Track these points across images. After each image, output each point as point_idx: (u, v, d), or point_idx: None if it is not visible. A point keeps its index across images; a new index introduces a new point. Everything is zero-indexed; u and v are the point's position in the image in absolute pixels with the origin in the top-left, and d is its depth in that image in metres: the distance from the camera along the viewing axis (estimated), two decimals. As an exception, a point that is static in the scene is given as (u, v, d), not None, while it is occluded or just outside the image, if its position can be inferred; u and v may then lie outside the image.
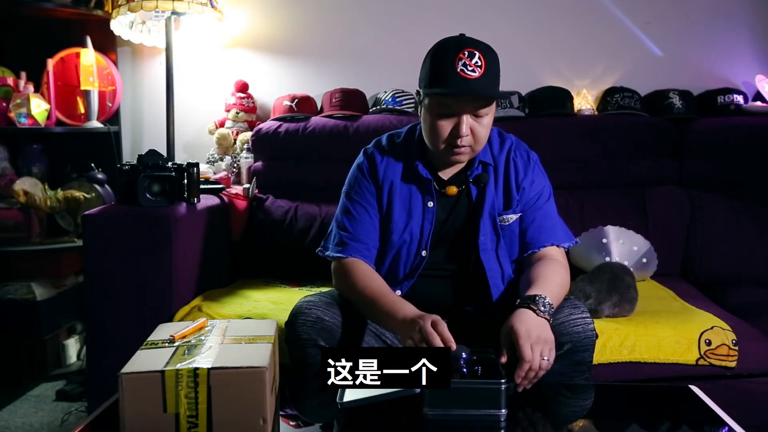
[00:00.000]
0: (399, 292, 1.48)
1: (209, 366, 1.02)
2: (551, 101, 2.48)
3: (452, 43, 1.38)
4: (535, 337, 1.20)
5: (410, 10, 2.62)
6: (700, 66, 2.60)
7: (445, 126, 1.39)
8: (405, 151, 1.53)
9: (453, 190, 1.49)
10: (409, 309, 1.29)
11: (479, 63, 1.34)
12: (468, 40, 1.39)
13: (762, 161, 2.34)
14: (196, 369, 1.01)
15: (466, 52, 1.35)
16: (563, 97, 2.49)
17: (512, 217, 1.49)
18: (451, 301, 1.50)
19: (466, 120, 1.37)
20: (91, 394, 1.89)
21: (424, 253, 1.48)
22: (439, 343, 1.16)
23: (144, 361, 1.06)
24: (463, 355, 1.18)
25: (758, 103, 2.46)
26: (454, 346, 1.17)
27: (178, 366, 1.02)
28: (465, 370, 1.16)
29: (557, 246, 1.49)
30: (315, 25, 2.70)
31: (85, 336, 1.99)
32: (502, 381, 1.12)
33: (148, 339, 1.17)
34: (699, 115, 2.45)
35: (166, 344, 1.13)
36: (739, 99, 2.45)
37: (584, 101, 2.54)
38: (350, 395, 1.13)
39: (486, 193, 1.49)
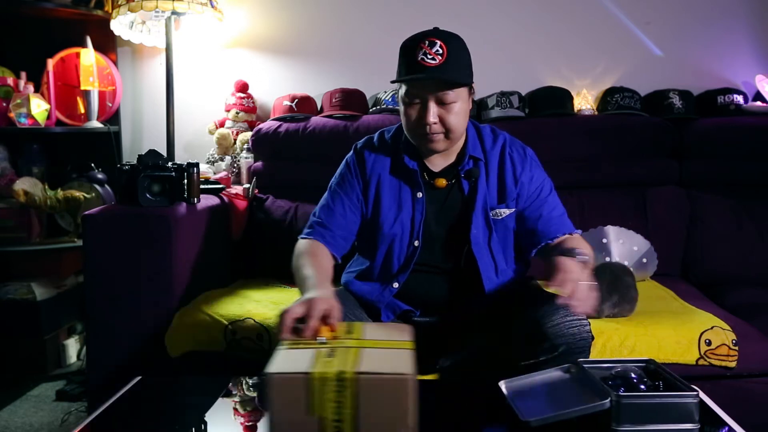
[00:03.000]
0: (396, 284, 1.50)
1: (357, 370, 0.99)
2: (551, 101, 2.48)
3: (418, 35, 1.45)
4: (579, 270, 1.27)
5: (410, 10, 2.62)
6: (700, 66, 2.60)
7: (413, 114, 1.44)
8: (394, 146, 1.57)
9: (442, 182, 1.52)
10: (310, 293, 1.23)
11: (440, 51, 1.40)
12: (433, 32, 1.45)
13: (762, 161, 2.34)
14: (343, 373, 0.99)
15: (427, 42, 1.41)
16: (563, 97, 2.49)
17: (505, 212, 1.51)
18: (446, 297, 1.50)
19: (432, 107, 1.42)
20: (91, 394, 1.90)
21: (416, 243, 1.50)
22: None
23: (289, 361, 1.04)
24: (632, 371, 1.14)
25: (758, 103, 2.45)
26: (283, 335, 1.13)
27: (326, 369, 0.99)
28: (643, 386, 1.10)
29: (571, 234, 1.52)
30: (315, 25, 2.70)
31: (85, 336, 1.99)
32: (695, 393, 1.05)
33: (284, 339, 1.12)
34: (699, 115, 2.45)
35: (308, 345, 1.10)
36: (739, 99, 2.45)
37: (584, 101, 2.54)
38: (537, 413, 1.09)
39: (478, 187, 1.51)
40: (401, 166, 1.53)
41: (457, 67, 1.43)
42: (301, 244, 1.52)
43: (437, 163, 1.54)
